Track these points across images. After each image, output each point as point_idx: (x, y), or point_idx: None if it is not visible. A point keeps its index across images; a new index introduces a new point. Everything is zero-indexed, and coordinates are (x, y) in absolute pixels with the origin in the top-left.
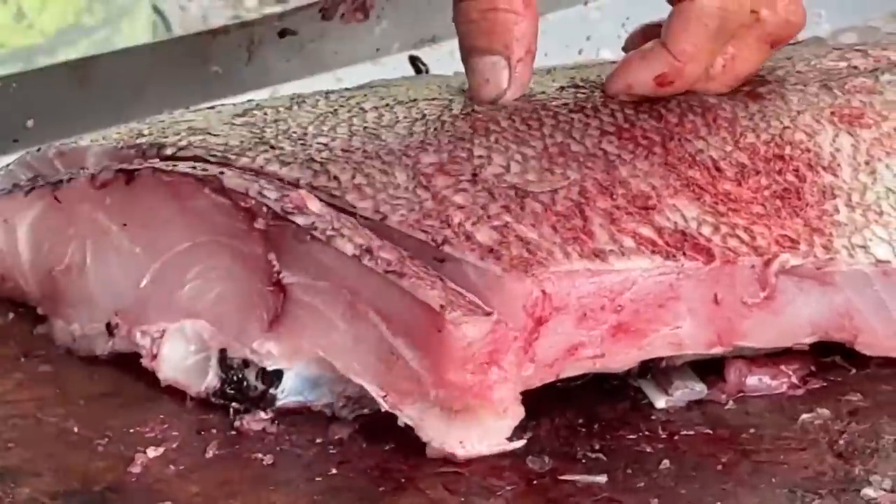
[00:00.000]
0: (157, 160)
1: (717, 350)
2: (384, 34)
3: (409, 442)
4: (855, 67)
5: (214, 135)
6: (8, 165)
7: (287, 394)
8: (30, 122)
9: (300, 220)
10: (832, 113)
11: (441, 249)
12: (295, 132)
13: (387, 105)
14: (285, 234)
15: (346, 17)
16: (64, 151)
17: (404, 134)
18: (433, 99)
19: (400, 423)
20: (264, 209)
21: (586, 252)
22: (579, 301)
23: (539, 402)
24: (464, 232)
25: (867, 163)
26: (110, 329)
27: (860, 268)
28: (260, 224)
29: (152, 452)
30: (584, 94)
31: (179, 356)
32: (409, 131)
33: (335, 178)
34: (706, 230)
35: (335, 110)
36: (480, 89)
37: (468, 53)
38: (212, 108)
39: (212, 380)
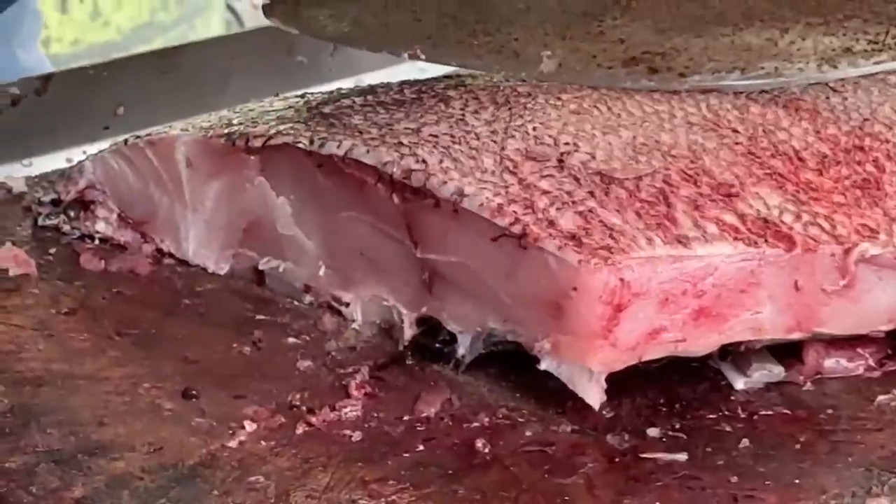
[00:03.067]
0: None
1: (796, 335)
2: None
3: (494, 420)
4: None
5: (302, 122)
6: (100, 152)
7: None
8: (120, 110)
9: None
10: None
11: (523, 240)
12: (382, 118)
13: (471, 92)
14: (420, 210)
15: None
16: (154, 141)
17: (490, 119)
18: (517, 86)
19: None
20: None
21: (669, 238)
22: (661, 286)
23: (620, 382)
24: (547, 217)
25: None
26: (307, 289)
27: None
28: (396, 199)
29: (244, 429)
30: None
31: (370, 319)
32: (495, 116)
33: (423, 160)
34: (788, 218)
35: (420, 98)
36: None
37: None
38: (301, 96)
39: (409, 335)
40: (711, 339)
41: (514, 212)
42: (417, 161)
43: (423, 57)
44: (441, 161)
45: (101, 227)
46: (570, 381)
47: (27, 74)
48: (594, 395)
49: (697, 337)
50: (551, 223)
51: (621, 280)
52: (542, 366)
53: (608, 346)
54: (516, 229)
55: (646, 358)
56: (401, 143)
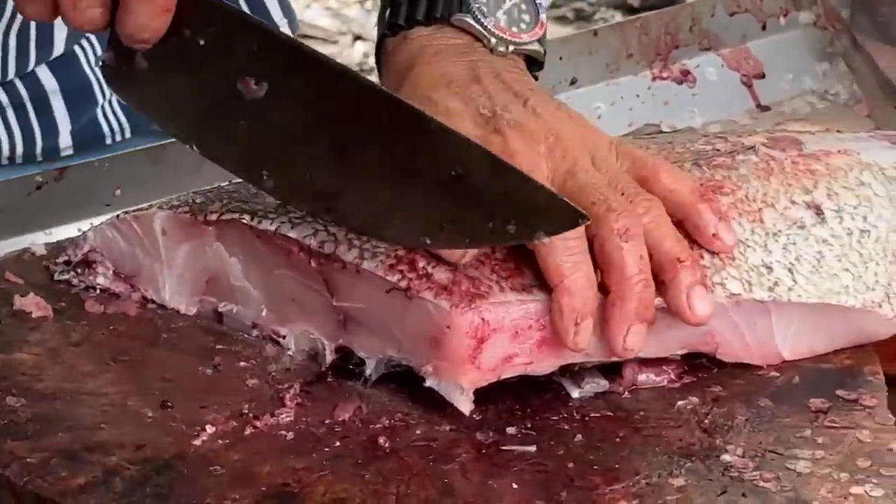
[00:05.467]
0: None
1: (615, 358)
2: None
3: (393, 422)
4: (718, 150)
5: (244, 201)
6: (99, 225)
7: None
8: (118, 192)
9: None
10: (701, 184)
11: (408, 292)
12: None
13: None
14: (333, 270)
15: None
16: (138, 216)
17: None
18: None
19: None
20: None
21: (517, 286)
22: (512, 323)
23: (487, 393)
24: (426, 273)
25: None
26: (254, 325)
27: (719, 300)
28: (314, 263)
29: (207, 431)
30: None
31: (300, 348)
32: None
33: (333, 234)
34: None
35: None
36: None
37: None
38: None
39: (329, 360)
40: (552, 362)
41: (401, 270)
42: (329, 234)
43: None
44: (347, 234)
45: (100, 280)
46: (447, 394)
47: None
48: (465, 405)
49: (541, 360)
50: (429, 277)
51: (482, 319)
52: (427, 383)
53: (475, 369)
54: (403, 284)
55: (504, 376)
56: (317, 222)
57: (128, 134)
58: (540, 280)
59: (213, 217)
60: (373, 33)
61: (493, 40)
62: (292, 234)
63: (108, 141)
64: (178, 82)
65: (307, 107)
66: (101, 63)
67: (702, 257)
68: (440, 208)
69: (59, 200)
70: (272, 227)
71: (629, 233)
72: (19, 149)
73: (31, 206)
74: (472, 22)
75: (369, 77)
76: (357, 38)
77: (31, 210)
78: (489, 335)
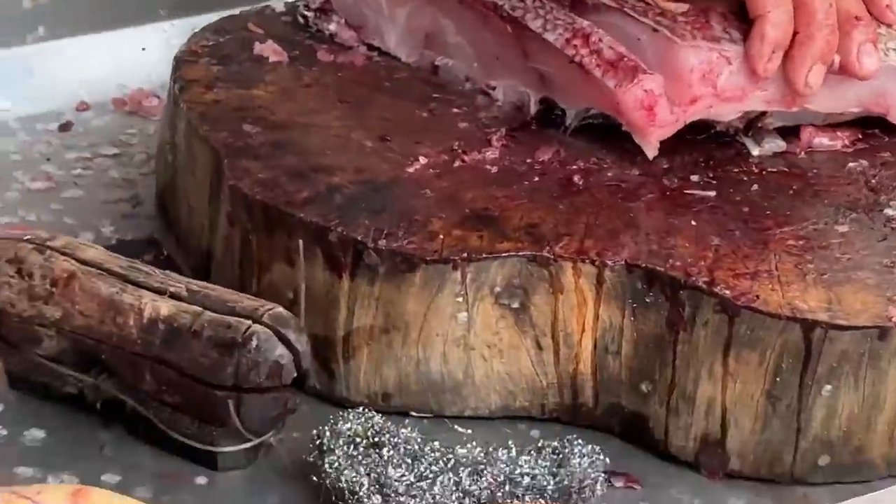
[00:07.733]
0: None
1: (793, 108)
2: None
3: (587, 165)
4: None
5: None
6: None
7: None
8: None
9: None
10: None
11: (582, 68)
12: None
13: None
14: (525, 37)
15: None
16: None
17: None
18: None
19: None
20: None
21: (707, 36)
22: (700, 66)
23: (675, 146)
24: (596, 49)
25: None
26: (467, 79)
27: (891, 62)
28: (510, 28)
29: (419, 162)
30: None
31: (508, 99)
32: None
33: (523, 3)
34: None
35: None
36: None
37: None
38: None
39: (534, 110)
40: (734, 106)
41: (576, 45)
42: (519, 2)
43: None
44: (535, 2)
45: (332, 27)
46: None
47: None
48: (650, 151)
49: (724, 104)
50: (599, 54)
51: (646, 91)
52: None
53: (655, 129)
54: (577, 59)
55: (688, 120)
56: None
57: None
58: (727, 34)
59: None
60: None
61: None
62: None
63: None
64: None
65: None
66: None
67: (880, 26)
68: None
69: None
70: None
71: None
72: None
73: None
74: None
75: None
76: None
77: None
78: (657, 100)
